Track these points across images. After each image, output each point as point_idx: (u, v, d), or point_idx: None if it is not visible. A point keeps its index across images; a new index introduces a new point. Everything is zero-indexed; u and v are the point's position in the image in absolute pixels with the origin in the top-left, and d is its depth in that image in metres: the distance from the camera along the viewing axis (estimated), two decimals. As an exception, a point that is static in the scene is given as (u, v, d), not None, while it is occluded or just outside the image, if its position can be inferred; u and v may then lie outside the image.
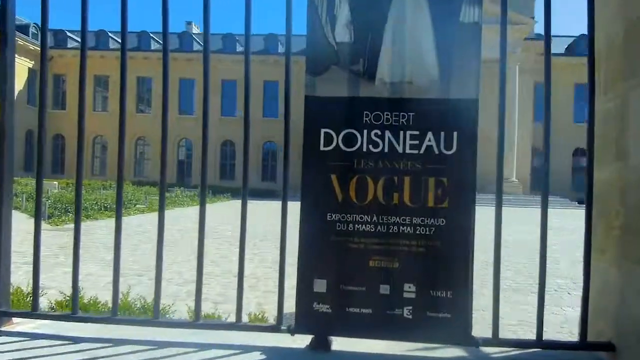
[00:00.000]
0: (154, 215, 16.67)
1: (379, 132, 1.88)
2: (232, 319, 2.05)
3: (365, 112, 1.89)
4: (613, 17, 1.72)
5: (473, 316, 1.82)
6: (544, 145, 1.77)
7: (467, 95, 1.84)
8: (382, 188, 1.87)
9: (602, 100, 1.75)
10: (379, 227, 1.88)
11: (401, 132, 1.88)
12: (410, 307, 1.84)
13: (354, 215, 1.89)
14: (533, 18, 35.51)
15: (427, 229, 1.85)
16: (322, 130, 1.91)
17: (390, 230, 1.87)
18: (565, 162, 37.99)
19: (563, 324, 5.18)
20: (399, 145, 1.87)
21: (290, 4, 1.89)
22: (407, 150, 1.87)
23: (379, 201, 1.88)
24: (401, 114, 1.88)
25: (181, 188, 29.93)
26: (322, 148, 1.90)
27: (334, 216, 1.89)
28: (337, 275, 1.88)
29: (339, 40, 1.89)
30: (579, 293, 6.00)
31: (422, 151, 1.86)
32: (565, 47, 40.21)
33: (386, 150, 1.88)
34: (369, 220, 1.88)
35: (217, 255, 9.20)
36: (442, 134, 1.86)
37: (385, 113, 1.89)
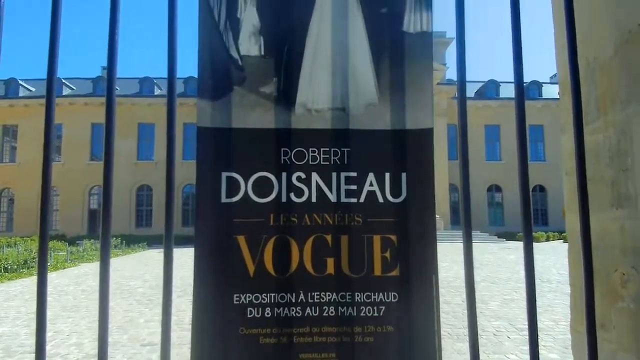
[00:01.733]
0: (56, 274, 14.77)
1: (303, 176, 1.36)
2: None
3: (283, 149, 1.37)
4: (599, 33, 1.36)
5: None
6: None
7: (417, 124, 1.38)
8: (311, 253, 1.33)
9: (588, 131, 1.36)
10: (308, 309, 1.32)
11: (333, 175, 1.37)
12: None
13: (272, 295, 1.32)
14: (445, 65, 38.43)
15: (375, 308, 1.33)
16: (224, 175, 1.35)
17: (325, 313, 1.32)
18: (481, 198, 40.35)
19: (508, 375, 4.82)
20: (331, 192, 1.36)
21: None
22: (343, 199, 1.36)
23: (306, 272, 1.33)
24: (332, 150, 1.37)
25: (91, 240, 27.29)
26: (224, 199, 1.34)
27: (243, 298, 1.31)
28: None
29: (244, 53, 1.37)
30: (518, 336, 5.73)
31: (362, 199, 1.36)
32: (475, 91, 43.78)
33: (314, 199, 1.35)
34: (294, 300, 1.32)
35: (125, 319, 8.04)
36: (388, 175, 1.37)
37: (310, 150, 1.37)
